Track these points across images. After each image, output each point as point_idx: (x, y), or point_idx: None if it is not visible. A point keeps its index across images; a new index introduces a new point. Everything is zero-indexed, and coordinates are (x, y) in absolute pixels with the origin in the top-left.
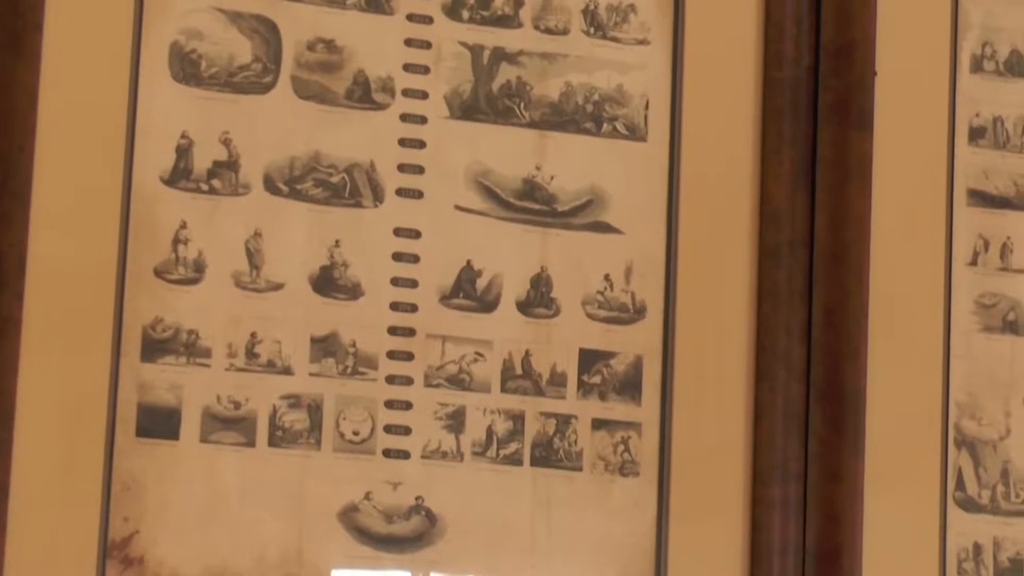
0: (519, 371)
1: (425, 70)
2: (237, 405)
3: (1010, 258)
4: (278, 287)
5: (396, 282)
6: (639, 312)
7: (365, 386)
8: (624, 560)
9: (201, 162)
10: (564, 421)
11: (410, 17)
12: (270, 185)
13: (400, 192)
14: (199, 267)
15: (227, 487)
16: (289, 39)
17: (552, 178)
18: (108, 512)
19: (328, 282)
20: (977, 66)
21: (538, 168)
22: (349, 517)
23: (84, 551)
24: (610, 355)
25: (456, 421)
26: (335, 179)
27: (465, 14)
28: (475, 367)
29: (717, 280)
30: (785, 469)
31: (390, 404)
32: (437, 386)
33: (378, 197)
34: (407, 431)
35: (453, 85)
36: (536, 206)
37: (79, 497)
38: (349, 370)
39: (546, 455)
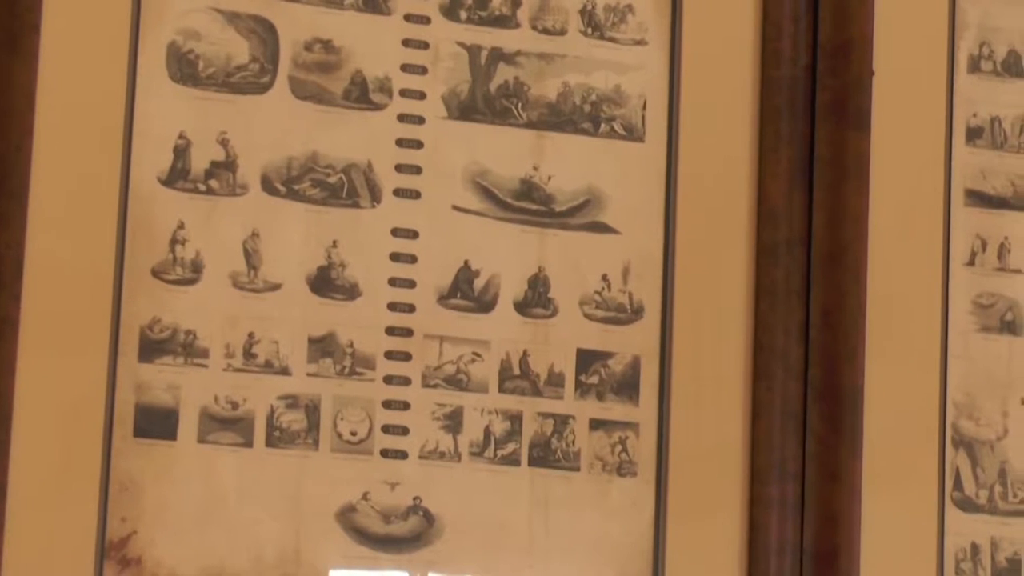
0: (517, 371)
1: (423, 70)
2: (235, 405)
3: (1007, 258)
4: (276, 287)
5: (394, 282)
6: (637, 312)
7: (363, 386)
8: (622, 560)
9: (198, 162)
10: (562, 421)
11: (407, 17)
12: (267, 185)
13: (398, 192)
14: (196, 267)
15: (225, 487)
16: (286, 39)
17: (550, 178)
18: (106, 512)
19: (326, 282)
20: (974, 66)
21: (536, 168)
22: (347, 517)
23: (82, 551)
24: (608, 355)
25: (454, 421)
26: (333, 179)
27: (463, 14)
28: (473, 367)
29: (715, 280)
30: (783, 469)
31: (388, 404)
32: (435, 386)
33: (376, 197)
34: (405, 431)
35: (451, 85)
36: (534, 206)
37: (77, 497)
38: (347, 370)
39: (544, 455)
